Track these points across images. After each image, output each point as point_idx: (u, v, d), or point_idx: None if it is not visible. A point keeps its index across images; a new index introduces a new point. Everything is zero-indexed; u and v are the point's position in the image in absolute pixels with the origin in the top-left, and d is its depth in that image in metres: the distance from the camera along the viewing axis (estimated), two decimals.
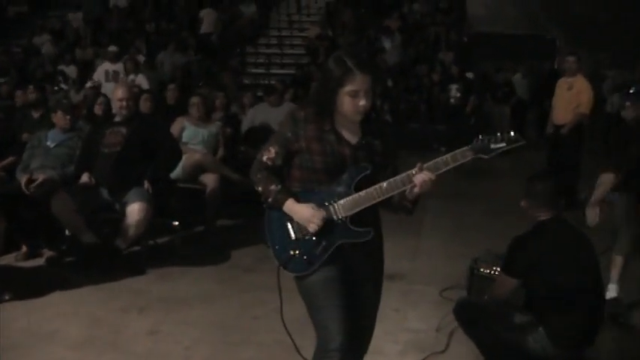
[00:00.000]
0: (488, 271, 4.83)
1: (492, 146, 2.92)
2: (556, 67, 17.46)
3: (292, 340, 3.11)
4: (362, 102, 2.90)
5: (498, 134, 2.93)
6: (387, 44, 15.62)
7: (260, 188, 3.05)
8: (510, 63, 16.83)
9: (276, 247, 3.07)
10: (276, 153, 3.04)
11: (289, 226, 3.03)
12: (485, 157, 2.92)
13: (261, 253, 6.30)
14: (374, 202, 2.94)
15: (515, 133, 2.94)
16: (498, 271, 4.24)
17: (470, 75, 14.15)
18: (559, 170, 8.48)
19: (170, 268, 6.07)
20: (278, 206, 3.01)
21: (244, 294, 5.51)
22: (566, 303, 3.77)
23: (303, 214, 2.96)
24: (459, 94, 12.61)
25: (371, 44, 15.57)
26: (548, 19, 20.07)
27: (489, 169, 10.43)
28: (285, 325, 3.07)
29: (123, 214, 5.91)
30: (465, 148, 2.91)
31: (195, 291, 5.57)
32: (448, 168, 2.90)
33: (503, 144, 2.92)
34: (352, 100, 2.90)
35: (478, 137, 2.92)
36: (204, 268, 6.15)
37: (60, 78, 13.32)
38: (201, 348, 4.55)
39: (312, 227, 2.93)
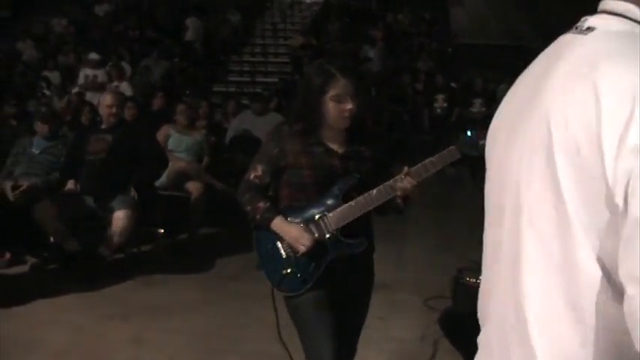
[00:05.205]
0: (473, 280, 4.84)
1: (482, 142, 2.77)
2: None
3: (290, 355, 3.08)
4: (348, 106, 2.83)
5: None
6: (371, 53, 15.68)
7: (248, 208, 2.96)
8: (494, 73, 16.89)
9: (268, 268, 3.01)
10: (263, 171, 2.96)
11: (279, 245, 2.95)
12: (475, 153, 2.77)
13: (245, 261, 6.29)
14: (364, 211, 2.88)
15: None
16: None
17: (454, 85, 14.21)
18: None
19: (154, 276, 6.05)
20: (266, 225, 2.93)
21: (228, 302, 5.49)
22: None
23: (291, 234, 2.89)
24: (445, 104, 12.64)
25: (355, 53, 15.62)
26: (531, 30, 20.24)
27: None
28: (285, 345, 3.03)
29: (107, 221, 5.88)
30: (451, 147, 2.83)
31: (179, 299, 5.55)
32: (437, 169, 2.83)
33: None
34: (337, 105, 2.83)
35: (465, 132, 2.82)
36: (188, 276, 6.12)
37: (43, 84, 13.25)
38: (185, 356, 4.54)
39: (301, 249, 2.87)
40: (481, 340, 1.43)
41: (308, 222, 2.91)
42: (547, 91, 1.21)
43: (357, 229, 2.94)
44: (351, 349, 3.21)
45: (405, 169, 2.85)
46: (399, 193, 2.86)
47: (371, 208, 2.89)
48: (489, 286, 1.40)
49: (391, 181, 2.87)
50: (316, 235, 2.89)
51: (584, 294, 1.12)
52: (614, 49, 1.16)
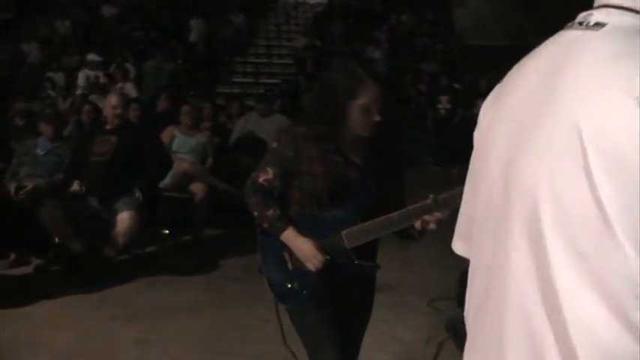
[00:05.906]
0: None
1: None
2: None
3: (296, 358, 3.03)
4: (375, 117, 2.66)
5: None
6: (376, 55, 15.64)
7: (255, 213, 2.75)
8: (498, 74, 16.84)
9: (272, 279, 2.84)
10: (274, 174, 2.74)
11: (286, 256, 2.77)
12: None
13: (249, 262, 6.26)
14: (382, 234, 2.73)
15: None
16: None
17: (457, 86, 14.18)
18: None
19: (158, 277, 6.04)
20: (274, 234, 2.73)
21: (233, 303, 5.48)
22: None
23: (303, 250, 2.70)
24: (449, 106, 12.63)
25: (359, 54, 15.58)
26: (534, 31, 20.21)
27: None
28: (290, 350, 2.98)
29: (112, 222, 5.88)
30: None
31: (183, 300, 5.54)
32: None
33: None
34: (364, 114, 2.65)
35: None
36: (192, 277, 6.12)
37: (47, 85, 13.27)
38: (189, 357, 4.53)
39: (311, 268, 2.69)
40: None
41: (320, 237, 2.72)
42: (565, 92, 1.14)
43: (370, 249, 2.81)
44: (355, 355, 3.11)
45: (432, 196, 2.65)
46: (429, 223, 2.69)
47: (390, 231, 2.73)
48: (487, 301, 1.32)
49: (416, 207, 2.69)
50: (329, 256, 2.72)
51: (630, 298, 1.05)
52: (637, 46, 1.10)
